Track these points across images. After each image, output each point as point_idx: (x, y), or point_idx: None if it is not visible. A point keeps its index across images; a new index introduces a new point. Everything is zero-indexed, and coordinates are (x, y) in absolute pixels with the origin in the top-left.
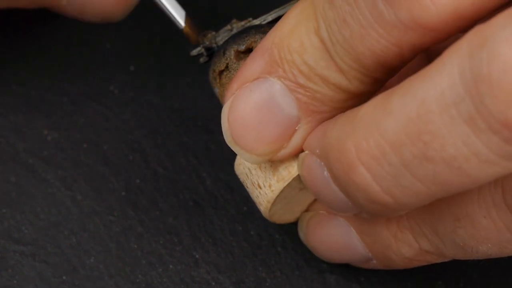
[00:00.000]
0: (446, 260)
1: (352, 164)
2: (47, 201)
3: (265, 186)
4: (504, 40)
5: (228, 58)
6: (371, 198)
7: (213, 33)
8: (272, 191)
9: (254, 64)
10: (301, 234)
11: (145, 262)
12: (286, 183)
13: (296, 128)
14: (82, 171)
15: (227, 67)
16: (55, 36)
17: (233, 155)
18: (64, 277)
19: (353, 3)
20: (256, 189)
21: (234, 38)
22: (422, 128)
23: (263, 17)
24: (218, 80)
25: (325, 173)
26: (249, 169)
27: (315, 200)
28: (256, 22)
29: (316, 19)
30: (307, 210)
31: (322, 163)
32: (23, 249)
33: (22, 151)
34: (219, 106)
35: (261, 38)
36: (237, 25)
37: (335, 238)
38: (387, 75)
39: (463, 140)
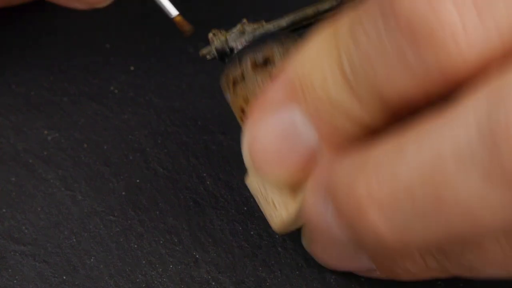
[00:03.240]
0: (451, 276)
1: (363, 207)
2: (47, 201)
3: (280, 206)
4: None
5: (244, 68)
6: (380, 242)
7: (223, 32)
8: (287, 211)
9: (275, 93)
10: (305, 243)
11: (145, 262)
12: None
13: (318, 157)
14: (82, 171)
15: (242, 76)
16: (55, 36)
17: (233, 155)
18: (64, 277)
19: (379, 44)
20: (270, 206)
21: (251, 47)
22: (437, 179)
23: (277, 21)
24: (231, 87)
25: (330, 211)
26: (263, 185)
27: None
28: (269, 26)
29: (338, 54)
30: None
31: (327, 201)
32: (23, 249)
33: (22, 151)
34: (219, 106)
35: (279, 51)
36: (248, 27)
37: (340, 250)
38: (409, 112)
39: (478, 194)
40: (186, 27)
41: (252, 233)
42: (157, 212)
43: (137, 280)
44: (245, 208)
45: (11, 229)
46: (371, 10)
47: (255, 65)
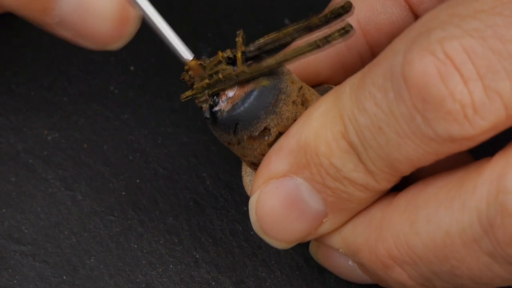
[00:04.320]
0: None
1: (388, 264)
2: (47, 201)
3: None
4: None
5: (241, 140)
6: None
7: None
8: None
9: (279, 163)
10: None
11: (145, 262)
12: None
13: (324, 220)
14: (82, 171)
15: (238, 143)
16: (55, 36)
17: (233, 155)
18: (64, 277)
19: (389, 113)
20: None
21: (244, 124)
22: (449, 255)
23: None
24: (226, 145)
25: (350, 262)
26: None
27: None
28: (250, 48)
29: (343, 123)
30: None
31: (347, 256)
32: (23, 249)
33: (22, 151)
34: None
35: (273, 120)
36: (223, 72)
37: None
38: (415, 171)
39: (486, 267)
40: (199, 72)
41: (252, 233)
42: (157, 212)
43: (137, 280)
44: (245, 208)
45: (11, 229)
46: (379, 81)
47: (251, 138)
